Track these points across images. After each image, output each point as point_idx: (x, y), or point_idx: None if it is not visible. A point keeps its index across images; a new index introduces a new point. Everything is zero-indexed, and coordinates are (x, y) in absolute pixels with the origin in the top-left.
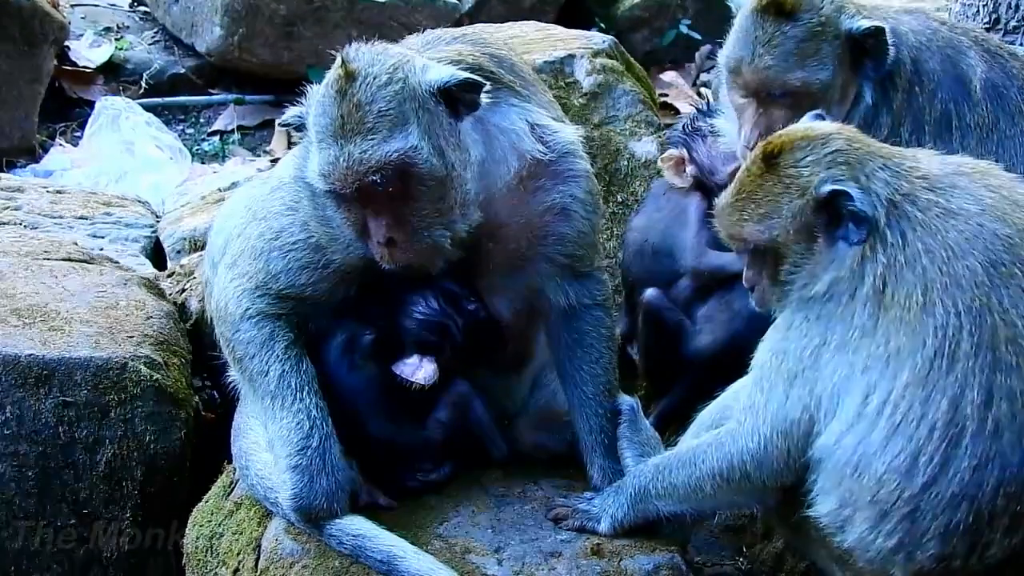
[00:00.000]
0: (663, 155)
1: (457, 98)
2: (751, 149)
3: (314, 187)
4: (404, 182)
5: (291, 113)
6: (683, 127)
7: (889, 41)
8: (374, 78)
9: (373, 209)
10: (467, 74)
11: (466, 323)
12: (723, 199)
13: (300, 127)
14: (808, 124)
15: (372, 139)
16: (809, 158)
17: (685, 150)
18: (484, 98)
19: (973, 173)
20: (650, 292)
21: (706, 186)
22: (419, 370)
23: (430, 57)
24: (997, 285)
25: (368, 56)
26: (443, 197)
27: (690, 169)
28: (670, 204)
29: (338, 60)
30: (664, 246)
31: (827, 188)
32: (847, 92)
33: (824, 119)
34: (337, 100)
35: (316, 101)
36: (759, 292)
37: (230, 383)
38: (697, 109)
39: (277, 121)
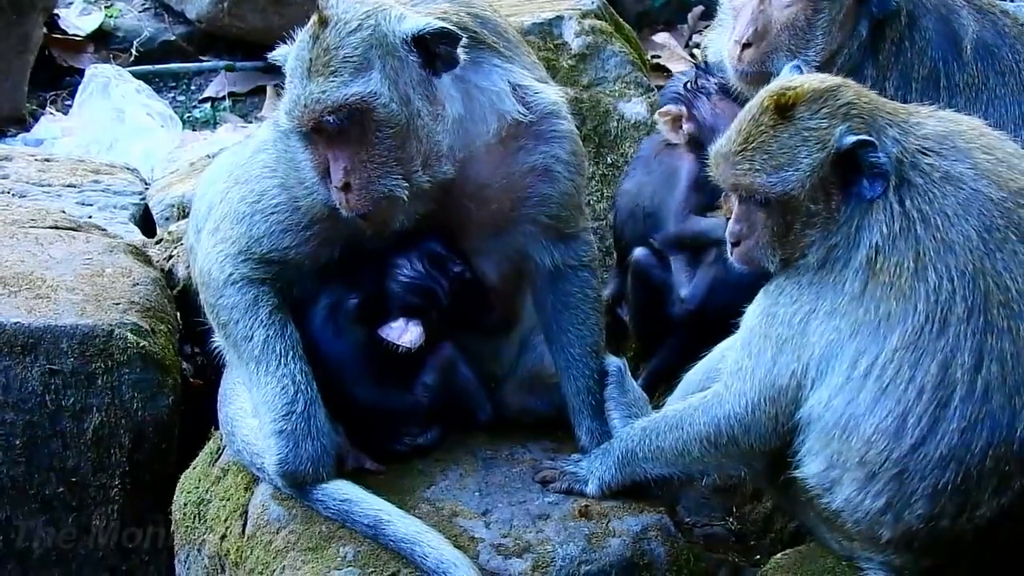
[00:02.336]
0: (661, 110)
1: (433, 51)
2: (742, 44)
3: (281, 126)
4: (362, 126)
5: (279, 51)
6: (685, 85)
7: None
8: (345, 24)
9: (333, 152)
10: (443, 24)
11: (451, 285)
12: (724, 147)
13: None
14: (815, 76)
15: (333, 80)
16: (825, 110)
17: (684, 107)
18: (462, 53)
19: (969, 132)
20: (639, 251)
21: (700, 145)
22: (405, 333)
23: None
24: (991, 250)
25: (344, 4)
26: (402, 145)
27: (687, 127)
28: (661, 167)
29: (316, 11)
30: (653, 208)
31: (851, 139)
32: (847, 19)
33: (801, 72)
34: (309, 44)
35: (293, 48)
36: (744, 248)
37: (215, 349)
38: (697, 67)
39: (270, 56)
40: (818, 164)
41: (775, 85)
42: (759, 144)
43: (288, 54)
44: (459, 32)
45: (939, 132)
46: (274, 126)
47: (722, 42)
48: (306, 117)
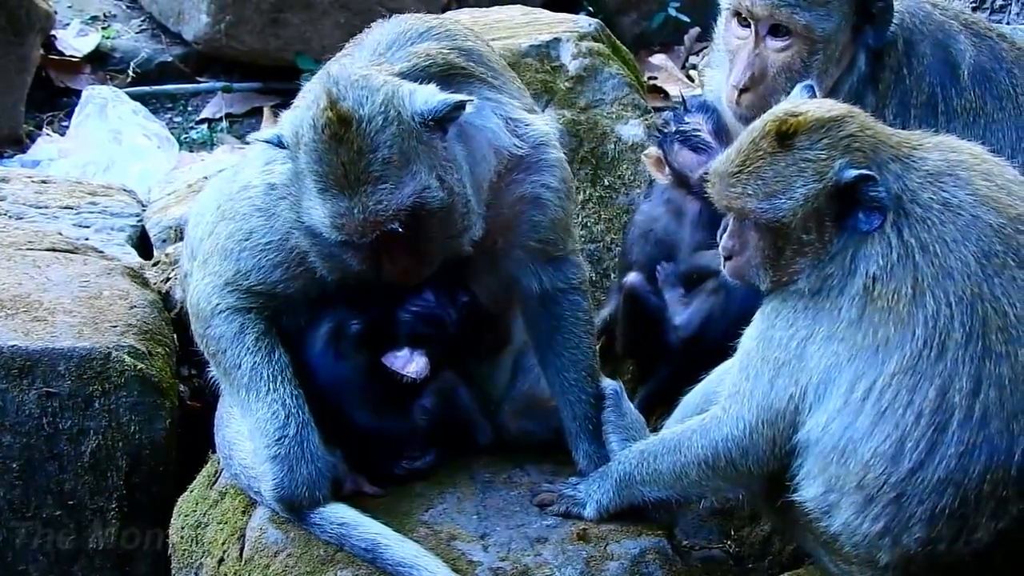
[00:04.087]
0: (646, 152)
1: (444, 118)
2: (739, 89)
3: (323, 236)
4: (417, 220)
5: (267, 133)
6: (659, 127)
7: (895, 12)
8: (369, 121)
9: (385, 247)
10: (456, 98)
11: (459, 316)
12: (722, 166)
13: (280, 144)
14: (823, 102)
15: (384, 187)
16: (825, 141)
17: (662, 151)
18: (469, 108)
19: (970, 160)
20: (632, 277)
21: (686, 185)
22: (410, 364)
23: (399, 59)
24: (990, 275)
25: (355, 94)
26: (452, 222)
27: (667, 170)
28: (673, 199)
29: (324, 99)
30: (665, 237)
31: (851, 173)
32: (844, 55)
33: (815, 94)
34: (334, 146)
35: (307, 143)
36: (736, 263)
37: (211, 378)
38: (673, 109)
39: (254, 135)
40: (813, 194)
41: (780, 109)
42: (755, 169)
43: (290, 142)
44: (468, 98)
45: (941, 165)
46: (300, 225)
47: (720, 81)
48: (367, 230)
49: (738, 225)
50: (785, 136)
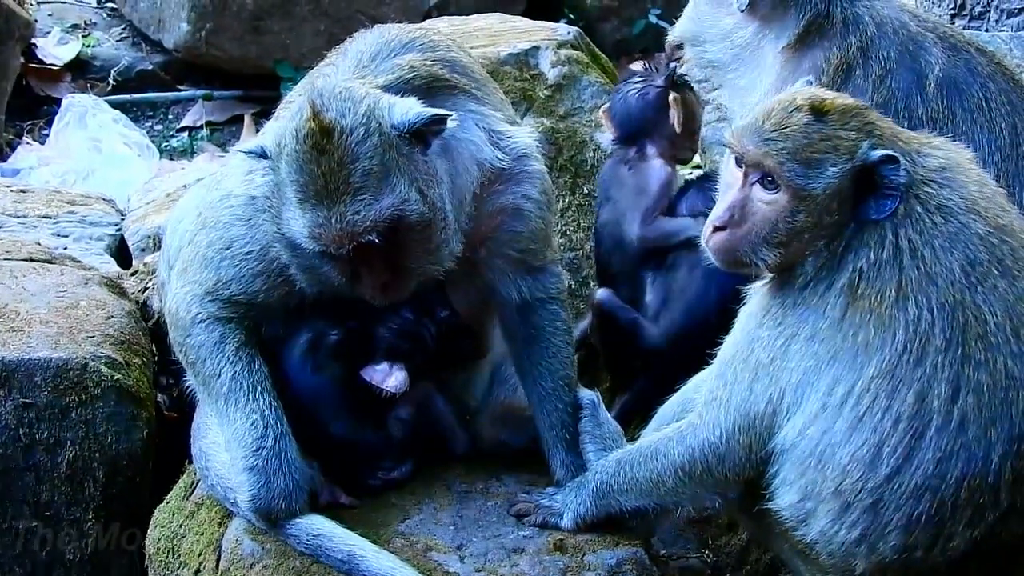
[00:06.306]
0: (672, 98)
1: (425, 131)
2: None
3: (302, 247)
4: (396, 233)
5: (250, 145)
6: (668, 77)
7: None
8: (351, 132)
9: (364, 260)
10: (433, 111)
11: (439, 331)
12: (755, 123)
13: (263, 156)
14: (836, 94)
15: (362, 198)
16: (854, 123)
17: (677, 95)
18: (450, 124)
19: (965, 164)
20: (601, 293)
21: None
22: (389, 378)
23: (383, 71)
24: (973, 283)
25: (338, 105)
26: (431, 237)
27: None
28: (630, 181)
29: (307, 110)
30: (626, 223)
31: (879, 153)
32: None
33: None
34: (315, 156)
35: (288, 153)
36: (730, 236)
37: (188, 388)
38: (645, 66)
39: (239, 147)
40: (843, 173)
41: (804, 90)
42: (792, 132)
43: (273, 153)
44: (449, 113)
45: (943, 164)
46: (245, 184)
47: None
48: (345, 240)
49: (745, 194)
50: (821, 111)
